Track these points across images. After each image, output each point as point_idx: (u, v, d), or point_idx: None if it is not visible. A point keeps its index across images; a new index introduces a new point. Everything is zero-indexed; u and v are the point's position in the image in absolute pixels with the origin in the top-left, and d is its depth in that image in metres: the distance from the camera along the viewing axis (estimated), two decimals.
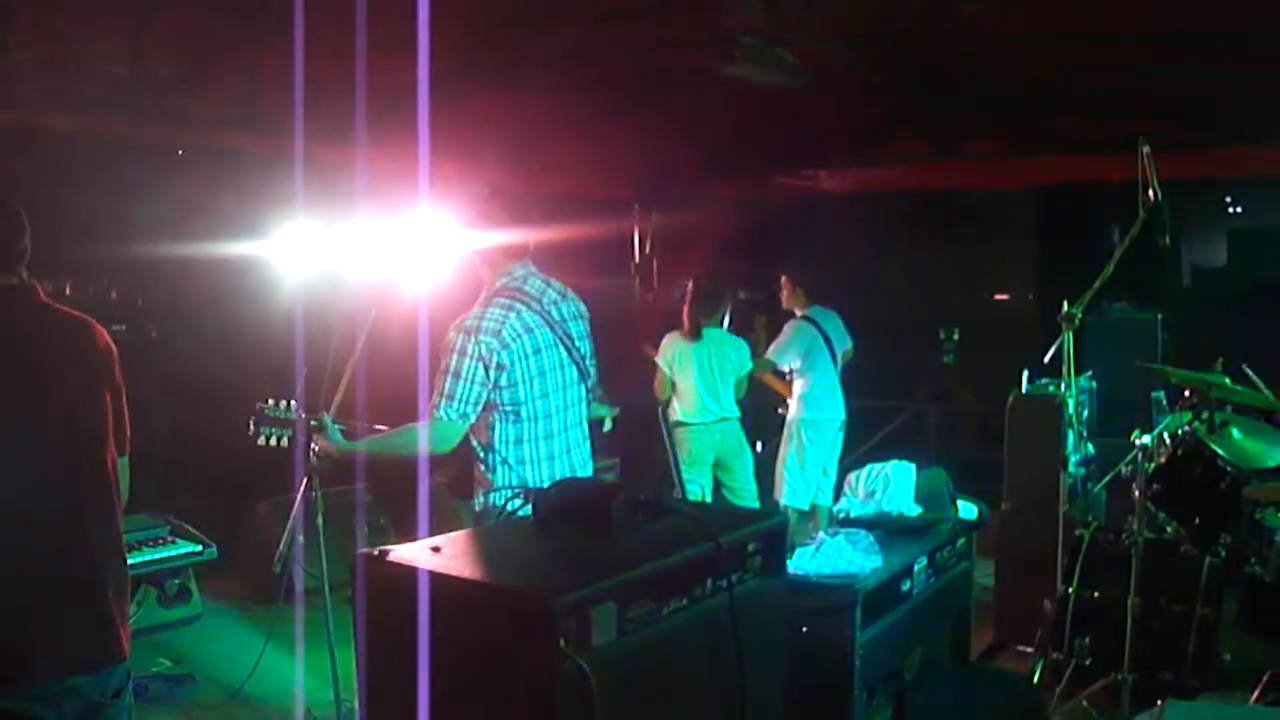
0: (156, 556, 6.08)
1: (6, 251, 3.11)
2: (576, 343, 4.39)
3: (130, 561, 3.68)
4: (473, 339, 4.09)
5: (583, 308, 4.53)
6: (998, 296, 11.78)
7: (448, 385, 4.08)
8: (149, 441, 3.33)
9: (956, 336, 10.70)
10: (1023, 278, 11.42)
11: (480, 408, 4.12)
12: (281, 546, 4.77)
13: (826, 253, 10.42)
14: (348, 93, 5.45)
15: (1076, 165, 8.78)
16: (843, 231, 10.72)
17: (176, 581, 6.32)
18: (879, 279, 10.80)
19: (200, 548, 6.27)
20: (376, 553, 2.83)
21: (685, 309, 7.75)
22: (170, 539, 6.22)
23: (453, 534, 3.06)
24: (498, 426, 4.19)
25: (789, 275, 8.22)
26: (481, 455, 4.25)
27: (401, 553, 2.84)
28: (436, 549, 2.86)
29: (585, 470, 4.45)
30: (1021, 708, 5.45)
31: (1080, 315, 5.36)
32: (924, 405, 11.19)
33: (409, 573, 2.70)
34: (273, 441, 4.35)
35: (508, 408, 4.16)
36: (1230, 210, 10.79)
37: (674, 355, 7.67)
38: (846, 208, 10.70)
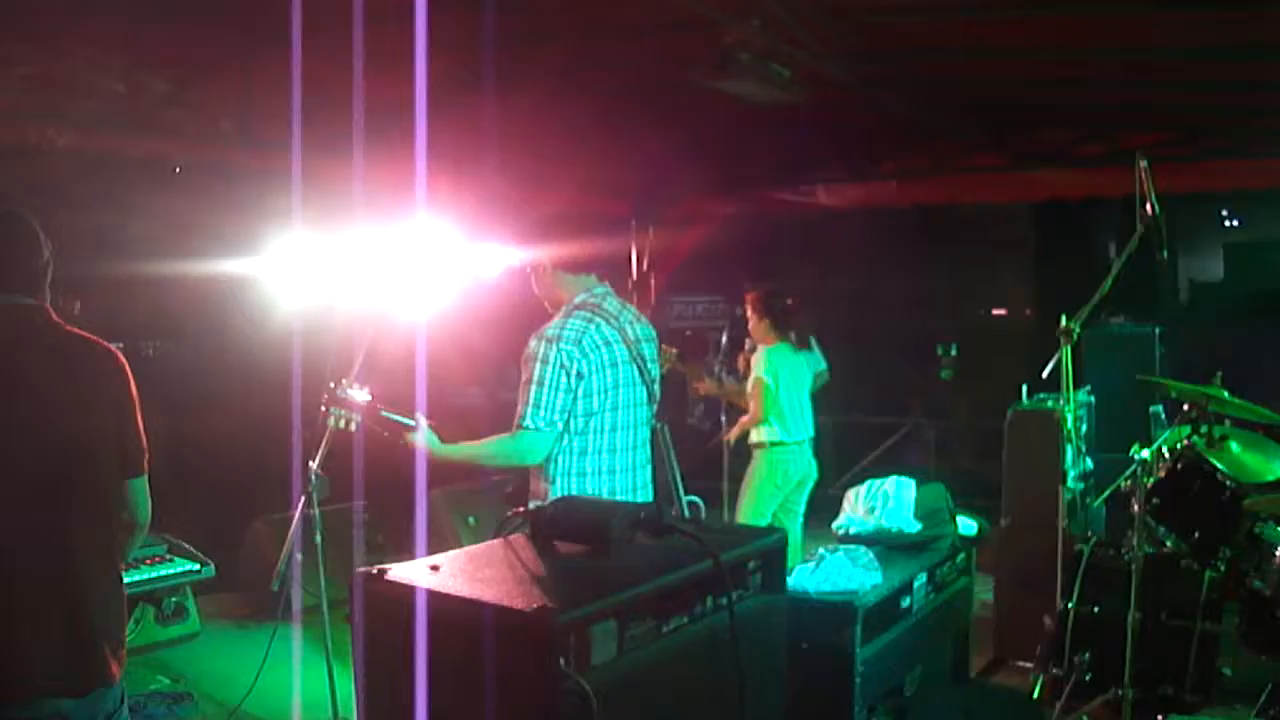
0: (154, 575, 6.05)
1: (16, 271, 3.09)
2: (648, 364, 4.39)
3: (127, 580, 3.65)
4: (554, 347, 4.07)
5: (654, 332, 4.53)
6: (995, 311, 11.79)
7: (533, 394, 4.05)
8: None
9: (954, 352, 10.69)
10: (1020, 293, 11.44)
11: (566, 416, 4.09)
12: (280, 564, 4.75)
13: (824, 268, 10.44)
14: (344, 107, 5.46)
15: (1074, 180, 8.78)
16: (840, 247, 10.74)
17: (174, 600, 6.30)
18: (876, 294, 10.81)
19: (198, 566, 6.24)
20: (375, 571, 2.81)
21: (779, 316, 7.26)
22: (167, 557, 6.20)
23: (451, 552, 3.05)
24: (564, 437, 4.14)
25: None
26: (544, 466, 4.18)
27: (400, 571, 2.83)
28: (435, 567, 2.85)
29: (645, 491, 4.40)
30: None
31: (1078, 330, 5.35)
32: (922, 421, 11.19)
33: (407, 591, 2.69)
34: (341, 424, 4.27)
35: (579, 418, 4.12)
36: (1227, 224, 10.81)
37: (779, 367, 7.18)
38: (844, 223, 10.71)
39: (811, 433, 7.39)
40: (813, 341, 7.72)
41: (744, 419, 7.35)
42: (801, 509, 7.40)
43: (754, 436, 7.33)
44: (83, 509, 3.05)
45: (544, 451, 4.10)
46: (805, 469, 7.33)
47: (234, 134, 7.13)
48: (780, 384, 7.15)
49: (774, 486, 7.20)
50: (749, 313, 7.44)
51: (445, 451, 4.17)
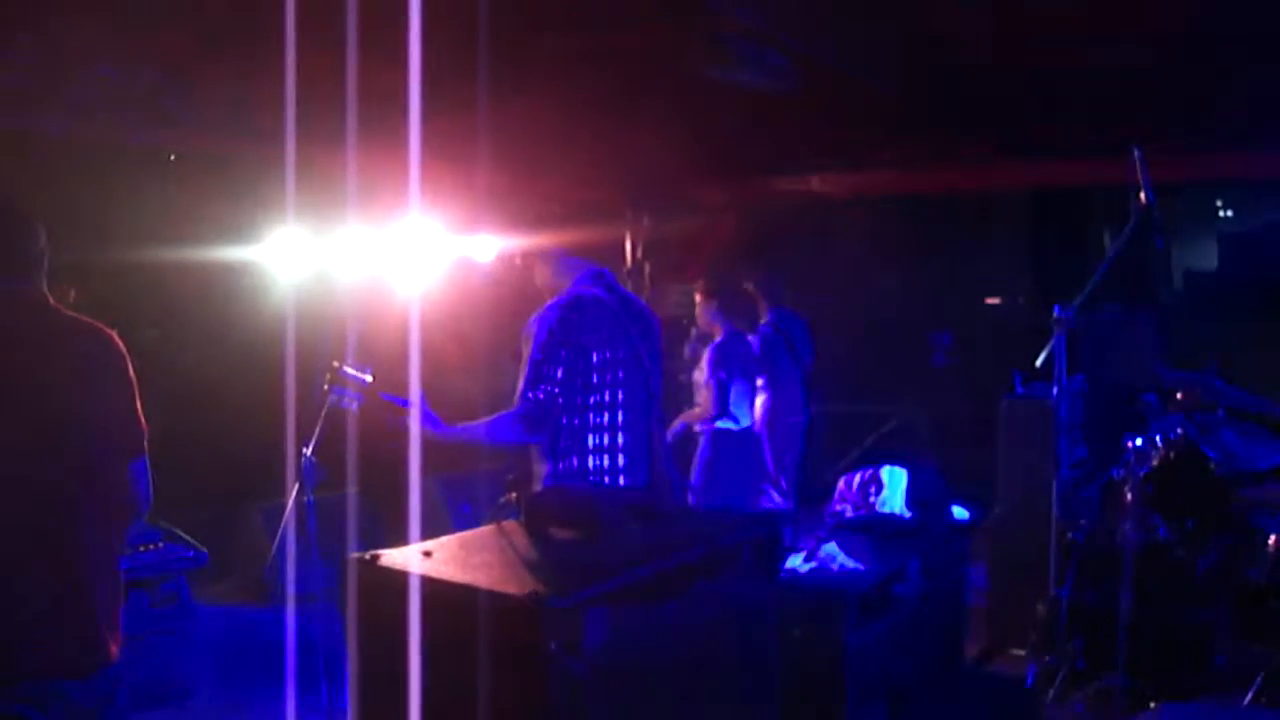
0: (147, 562, 6.06)
1: (13, 258, 3.10)
2: (647, 351, 4.40)
3: (121, 567, 3.66)
4: (553, 325, 4.11)
5: (655, 322, 4.54)
6: (989, 300, 11.78)
7: (532, 370, 4.08)
8: None
9: (948, 340, 10.69)
10: (1015, 281, 11.43)
11: (564, 392, 4.10)
12: (273, 552, 4.74)
13: (818, 256, 10.44)
14: (339, 97, 5.44)
15: (1069, 169, 8.77)
16: (835, 234, 10.74)
17: (168, 587, 6.30)
18: (870, 282, 10.81)
19: (192, 553, 6.25)
20: (368, 557, 2.82)
21: (726, 302, 7.17)
22: (161, 544, 6.20)
23: (444, 538, 3.05)
24: (563, 417, 4.16)
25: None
26: (542, 446, 4.21)
27: (393, 557, 2.83)
28: (428, 553, 2.85)
29: (643, 472, 4.40)
30: (1015, 711, 5.45)
31: (1072, 318, 5.35)
32: (915, 409, 11.18)
33: (400, 577, 2.70)
34: (342, 403, 4.25)
35: (578, 395, 4.15)
36: (1221, 214, 10.82)
37: (730, 358, 7.04)
38: (838, 211, 10.69)
39: (803, 416, 7.38)
40: (803, 328, 7.71)
41: (692, 412, 7.28)
42: (790, 490, 7.40)
43: (701, 425, 7.22)
44: (84, 491, 3.07)
45: (546, 426, 4.12)
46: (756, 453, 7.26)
47: (229, 122, 7.11)
48: (732, 377, 7.08)
49: (729, 474, 7.13)
50: (699, 300, 7.34)
51: (447, 434, 4.18)
